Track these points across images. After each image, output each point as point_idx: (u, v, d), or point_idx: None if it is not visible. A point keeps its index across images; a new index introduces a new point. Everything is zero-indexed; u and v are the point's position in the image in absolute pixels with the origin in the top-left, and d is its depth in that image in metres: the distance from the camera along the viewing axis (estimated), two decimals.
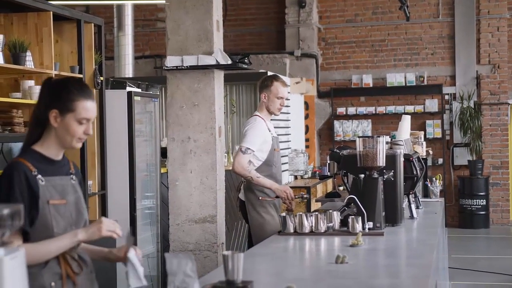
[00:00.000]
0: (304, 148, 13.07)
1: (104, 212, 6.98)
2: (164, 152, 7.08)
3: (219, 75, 6.21)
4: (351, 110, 14.72)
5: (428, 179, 7.55)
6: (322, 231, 4.81)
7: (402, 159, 5.36)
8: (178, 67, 6.03)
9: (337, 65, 15.01)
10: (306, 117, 14.14)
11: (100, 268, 3.55)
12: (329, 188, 11.48)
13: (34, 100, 6.13)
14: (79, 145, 3.23)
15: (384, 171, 5.07)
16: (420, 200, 6.32)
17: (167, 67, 6.06)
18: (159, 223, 7.97)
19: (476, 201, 13.98)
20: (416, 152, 6.57)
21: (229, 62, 6.00)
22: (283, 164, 8.59)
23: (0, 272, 1.92)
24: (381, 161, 4.98)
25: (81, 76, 6.72)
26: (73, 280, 3.16)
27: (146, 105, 7.83)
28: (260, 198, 6.11)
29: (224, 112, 6.65)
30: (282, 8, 15.01)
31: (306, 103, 14.04)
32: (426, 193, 7.46)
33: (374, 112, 14.63)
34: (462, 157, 14.41)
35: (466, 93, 14.23)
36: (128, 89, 7.64)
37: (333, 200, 6.67)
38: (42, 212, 3.08)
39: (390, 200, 5.13)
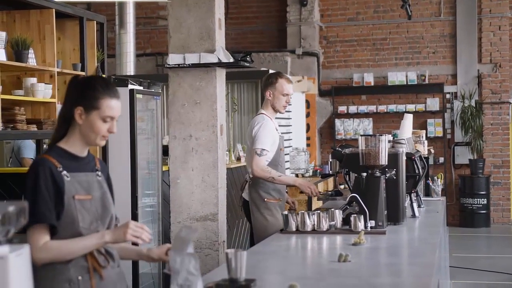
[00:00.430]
0: (305, 146, 13.07)
1: None
2: (165, 150, 7.07)
3: (221, 73, 6.21)
4: (352, 109, 14.71)
5: (429, 178, 7.54)
6: (324, 229, 4.80)
7: (404, 157, 5.36)
8: (180, 65, 6.03)
9: (338, 64, 15.01)
10: (307, 115, 14.15)
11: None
12: (330, 187, 11.48)
13: (36, 97, 6.13)
14: (103, 142, 3.26)
15: (386, 169, 5.07)
16: (421, 199, 6.32)
17: (169, 65, 6.06)
18: (161, 221, 7.96)
19: (477, 200, 13.97)
20: (418, 151, 6.57)
21: (231, 60, 6.00)
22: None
23: (5, 270, 1.92)
24: (384, 160, 4.98)
25: (83, 73, 6.73)
26: (99, 274, 3.18)
27: (148, 103, 7.82)
28: (265, 199, 6.00)
29: (226, 110, 6.64)
30: (283, 7, 15.01)
31: (307, 102, 14.04)
32: (428, 192, 7.46)
33: (375, 110, 14.62)
34: (463, 156, 14.41)
35: (467, 92, 14.22)
36: (130, 87, 7.63)
37: (334, 199, 6.67)
38: (67, 207, 3.12)
39: (392, 199, 5.13)
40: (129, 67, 12.43)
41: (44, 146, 7.55)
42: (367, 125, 14.67)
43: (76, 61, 6.81)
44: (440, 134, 14.42)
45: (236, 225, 8.86)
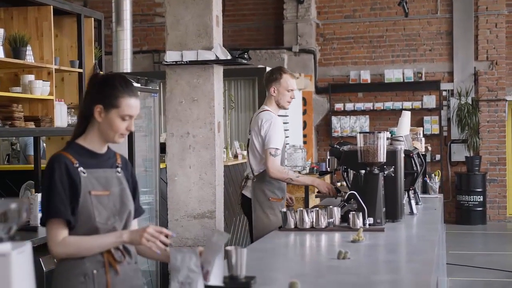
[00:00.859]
0: (302, 143, 13.07)
1: None
2: (163, 148, 7.06)
3: (219, 71, 6.20)
4: (349, 106, 14.71)
5: (427, 175, 7.55)
6: (323, 226, 4.80)
7: (402, 155, 5.36)
8: (178, 62, 6.02)
9: (335, 61, 15.01)
10: (304, 112, 14.15)
11: None
12: None
13: (34, 94, 6.12)
14: (121, 140, 3.30)
15: (385, 167, 5.07)
16: (419, 196, 6.32)
17: (166, 62, 6.05)
18: (158, 219, 7.96)
19: (473, 197, 14.00)
20: (415, 148, 6.57)
21: (229, 57, 5.99)
22: None
23: (8, 267, 1.92)
24: (382, 157, 4.99)
25: (81, 70, 6.71)
26: (115, 269, 3.22)
27: (145, 100, 7.81)
28: (270, 198, 5.93)
29: (223, 108, 6.63)
30: (280, 4, 15.00)
31: (304, 99, 14.05)
32: (425, 189, 7.47)
33: (371, 108, 14.63)
34: (459, 153, 14.42)
35: (463, 90, 14.24)
36: None
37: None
38: (84, 202, 3.17)
39: (390, 196, 5.13)
40: (126, 64, 12.40)
41: (43, 144, 7.54)
42: (363, 122, 14.68)
43: (73, 58, 6.80)
44: (437, 132, 14.44)
45: (233, 222, 8.86)
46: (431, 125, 14.43)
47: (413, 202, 5.76)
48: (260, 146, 5.93)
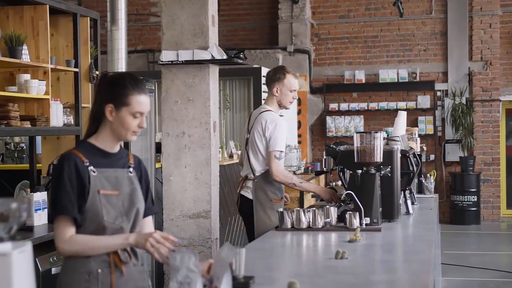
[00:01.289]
0: (296, 143, 13.07)
1: None
2: (158, 147, 7.06)
3: (214, 70, 6.20)
4: (344, 106, 14.73)
5: (422, 175, 7.56)
6: (320, 226, 4.80)
7: (399, 155, 5.37)
8: (173, 62, 6.02)
9: (329, 61, 15.02)
10: (299, 112, 14.16)
11: None
12: (322, 184, 11.48)
13: (30, 94, 6.10)
14: (134, 138, 3.33)
15: (381, 166, 5.08)
16: (415, 196, 6.33)
17: (162, 61, 6.05)
18: (153, 218, 7.95)
19: (467, 197, 14.02)
20: (411, 148, 6.58)
21: (225, 57, 5.99)
22: None
23: (8, 266, 1.92)
24: (379, 157, 4.99)
25: (77, 70, 6.70)
26: (120, 269, 3.25)
27: None
28: (272, 199, 5.82)
29: (218, 107, 6.62)
30: (275, 4, 15.01)
31: (298, 99, 14.04)
32: (420, 189, 7.48)
33: (366, 108, 14.64)
34: (453, 153, 14.45)
35: (458, 90, 14.26)
36: None
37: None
38: (92, 201, 3.20)
39: (387, 196, 5.13)
40: (121, 64, 12.33)
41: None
42: (358, 122, 14.69)
43: (69, 57, 6.78)
44: (431, 132, 14.46)
45: (228, 222, 8.85)
46: (426, 125, 14.45)
47: (409, 202, 5.77)
48: (264, 147, 5.78)
